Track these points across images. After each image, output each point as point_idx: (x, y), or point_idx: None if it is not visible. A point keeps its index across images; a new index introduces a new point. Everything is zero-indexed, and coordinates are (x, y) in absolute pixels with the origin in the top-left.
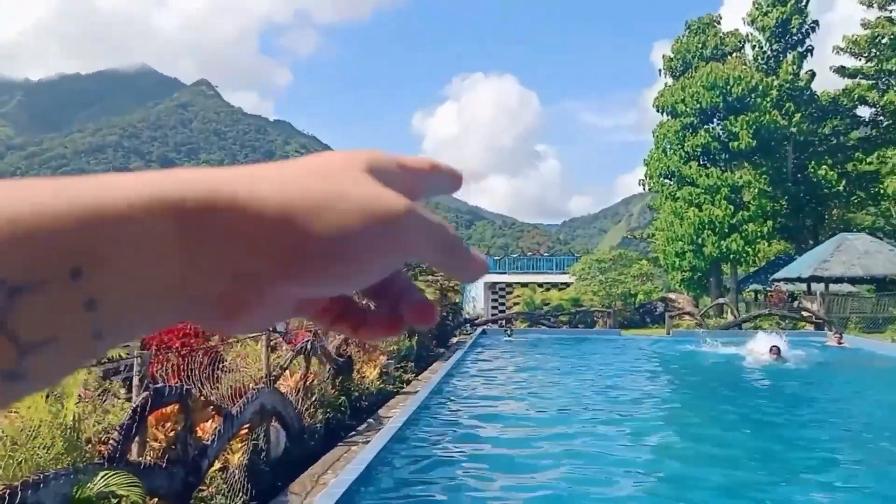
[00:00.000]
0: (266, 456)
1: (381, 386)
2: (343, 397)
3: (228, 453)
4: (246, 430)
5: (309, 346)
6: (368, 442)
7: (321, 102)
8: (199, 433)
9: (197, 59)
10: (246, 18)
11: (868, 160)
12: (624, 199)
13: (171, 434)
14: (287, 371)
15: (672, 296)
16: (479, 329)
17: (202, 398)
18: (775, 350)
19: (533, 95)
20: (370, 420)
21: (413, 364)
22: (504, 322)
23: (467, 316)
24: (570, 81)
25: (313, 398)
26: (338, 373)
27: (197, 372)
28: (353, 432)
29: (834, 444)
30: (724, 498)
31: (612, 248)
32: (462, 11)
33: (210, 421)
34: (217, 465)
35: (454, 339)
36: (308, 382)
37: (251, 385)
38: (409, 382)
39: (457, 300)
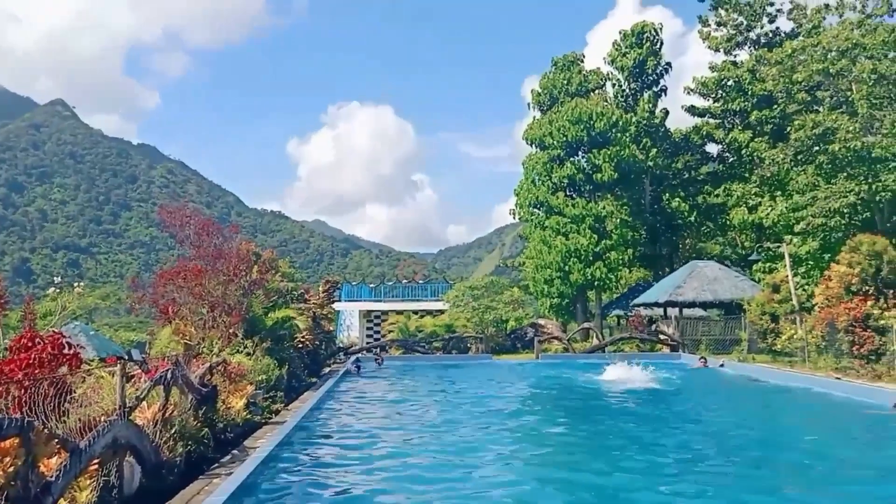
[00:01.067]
0: (119, 492)
1: (248, 416)
2: (206, 429)
3: (75, 490)
4: (96, 466)
5: (169, 376)
6: (231, 474)
7: (190, 127)
8: (43, 469)
9: (55, 78)
10: (110, 37)
11: (716, 193)
12: (498, 229)
13: (10, 470)
14: (144, 402)
15: (541, 321)
16: (353, 357)
17: (46, 431)
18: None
19: (409, 126)
20: (234, 452)
21: (283, 394)
22: (377, 350)
23: (341, 344)
24: (446, 113)
25: (173, 430)
26: (201, 403)
27: (41, 404)
28: (217, 465)
29: (695, 451)
30: None
31: (485, 276)
32: (337, 41)
33: (55, 456)
34: (63, 502)
35: (327, 369)
36: (167, 414)
37: (103, 418)
38: (277, 412)
39: (331, 329)
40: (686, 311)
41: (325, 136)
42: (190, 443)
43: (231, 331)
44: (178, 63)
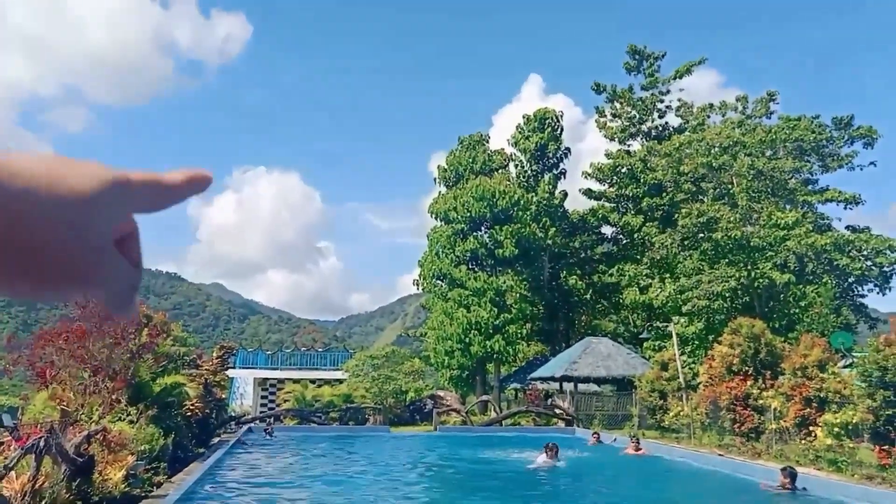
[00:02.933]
0: None
1: (127, 490)
2: (79, 502)
3: None
4: None
5: (42, 444)
6: None
7: None
8: None
9: None
10: (4, 90)
11: (610, 273)
12: (401, 298)
13: None
14: (13, 472)
15: (441, 393)
16: (245, 427)
17: None
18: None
19: (316, 193)
20: None
21: (166, 465)
22: (270, 420)
23: (233, 413)
24: (353, 183)
25: (43, 503)
26: (75, 474)
27: None
28: None
29: None
30: None
31: (386, 346)
32: (246, 105)
33: None
34: None
35: (216, 439)
36: (38, 485)
37: None
38: (160, 485)
39: (223, 396)
40: (581, 386)
41: (228, 199)
42: None
43: (114, 397)
44: (77, 118)
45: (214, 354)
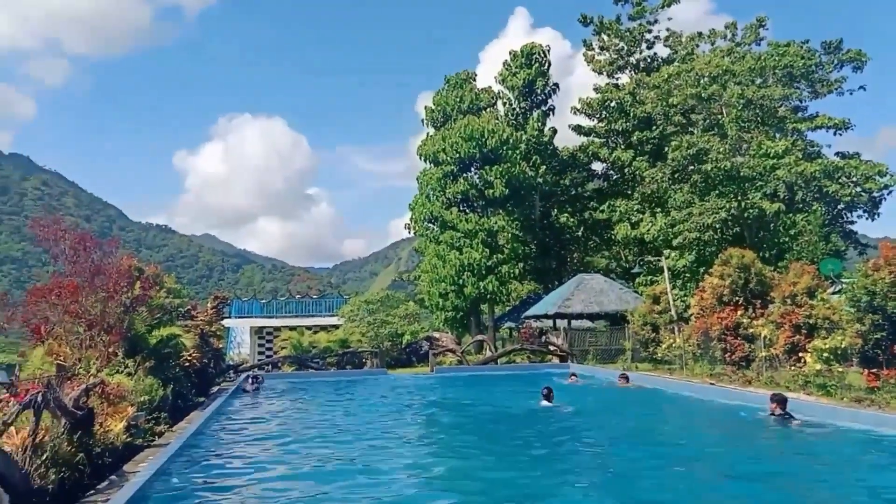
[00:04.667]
0: None
1: (129, 440)
2: (81, 454)
3: None
4: None
5: (39, 399)
6: (108, 501)
7: (69, 137)
8: None
9: None
10: None
11: (601, 209)
12: (394, 243)
13: None
14: (13, 427)
15: (436, 335)
16: (244, 375)
17: None
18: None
19: (303, 139)
20: (113, 477)
21: (167, 415)
22: (267, 368)
23: (231, 362)
24: (340, 127)
25: (45, 456)
26: (76, 427)
27: None
28: (93, 491)
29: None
30: None
31: (381, 291)
32: (228, 52)
33: None
34: None
35: (216, 388)
36: (38, 439)
37: None
38: (161, 434)
39: (220, 346)
40: (574, 323)
41: (215, 148)
42: (64, 469)
43: (111, 350)
44: (57, 71)
45: (209, 305)
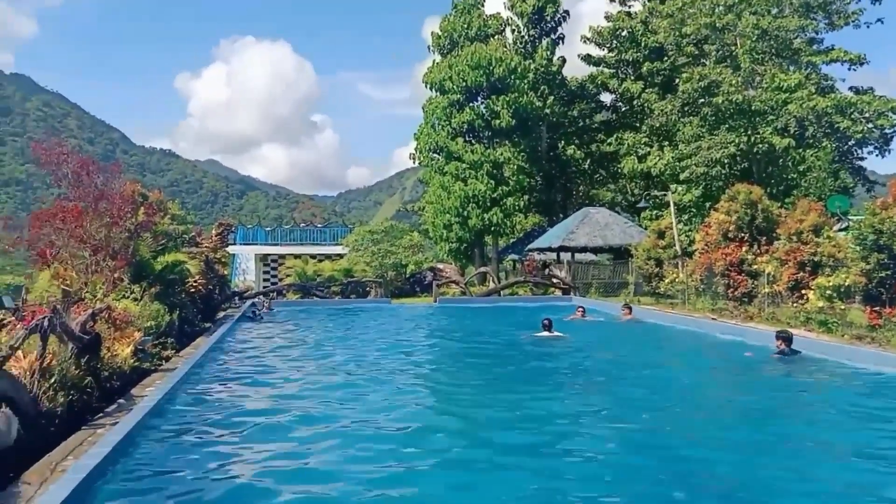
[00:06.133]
0: None
1: (136, 364)
2: (90, 378)
3: None
4: None
5: (46, 324)
6: (117, 423)
7: (71, 58)
8: None
9: None
10: None
11: (608, 142)
12: (398, 173)
13: None
14: (20, 352)
15: (440, 266)
16: (249, 302)
17: None
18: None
19: (308, 64)
20: (121, 400)
21: (174, 340)
22: (273, 295)
23: (236, 289)
24: (345, 52)
25: (52, 380)
26: (83, 352)
27: None
28: (101, 414)
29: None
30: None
31: (385, 221)
32: None
33: None
34: None
35: (221, 314)
36: (46, 363)
37: None
38: (168, 359)
39: (225, 273)
40: (578, 256)
41: (217, 71)
42: (72, 392)
43: (116, 275)
44: None
45: (214, 232)
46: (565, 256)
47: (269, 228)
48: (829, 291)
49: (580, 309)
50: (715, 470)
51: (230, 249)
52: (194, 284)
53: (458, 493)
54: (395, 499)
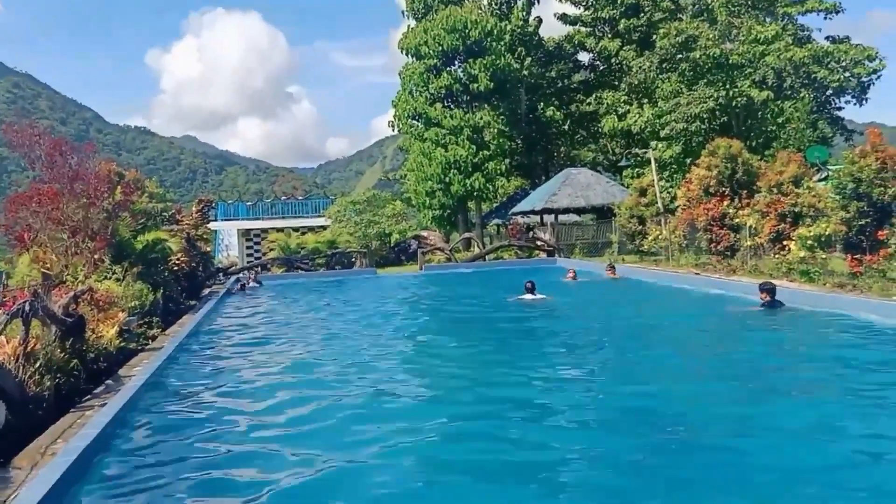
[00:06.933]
0: None
1: (122, 344)
2: (76, 360)
3: None
4: None
5: (27, 309)
6: (105, 405)
7: (39, 37)
8: None
9: None
10: None
11: (587, 101)
12: (378, 141)
13: None
14: (3, 337)
15: (424, 233)
16: (233, 278)
17: None
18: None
19: (280, 35)
20: (109, 381)
21: (159, 319)
22: (256, 271)
23: (220, 265)
24: (317, 21)
25: (38, 364)
26: (67, 334)
27: None
28: (90, 396)
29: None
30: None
31: (367, 190)
32: None
33: None
34: None
35: (206, 291)
36: (30, 348)
37: None
38: (154, 338)
39: (208, 249)
40: (561, 218)
41: (188, 45)
42: (59, 376)
43: (96, 257)
44: None
45: (194, 208)
46: (549, 218)
47: (250, 203)
48: (810, 241)
49: (571, 271)
50: (707, 413)
51: (212, 226)
52: (177, 262)
53: (459, 445)
54: (398, 461)
